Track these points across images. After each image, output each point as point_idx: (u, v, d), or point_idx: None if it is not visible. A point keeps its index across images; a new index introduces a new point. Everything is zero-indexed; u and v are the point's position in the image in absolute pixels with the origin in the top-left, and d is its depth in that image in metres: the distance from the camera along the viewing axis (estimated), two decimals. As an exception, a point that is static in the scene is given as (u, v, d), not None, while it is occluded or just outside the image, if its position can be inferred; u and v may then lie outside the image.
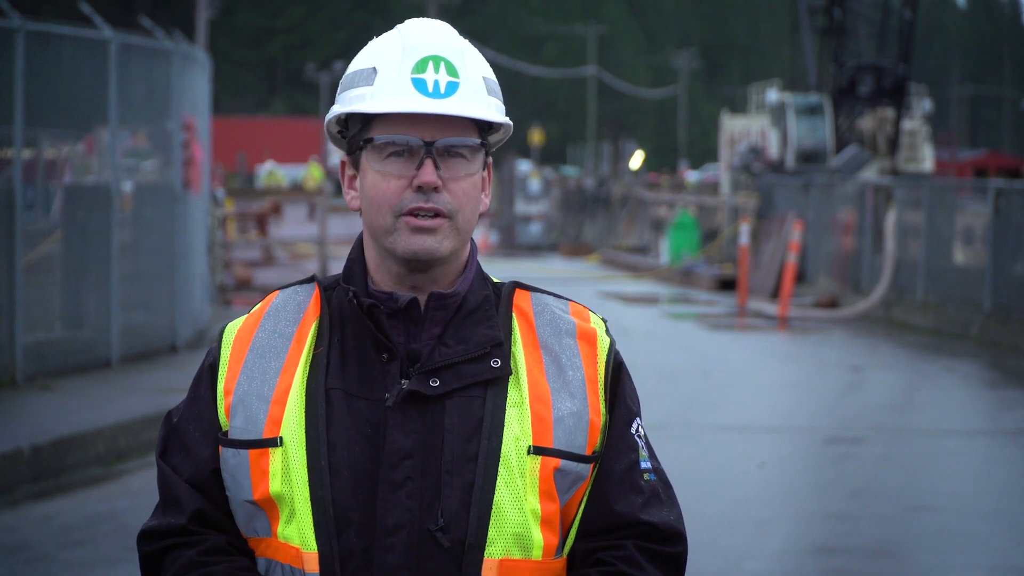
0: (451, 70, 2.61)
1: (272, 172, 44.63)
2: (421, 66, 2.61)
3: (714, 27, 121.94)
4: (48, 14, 20.21)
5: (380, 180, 2.61)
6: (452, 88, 2.60)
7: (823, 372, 17.67)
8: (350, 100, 2.65)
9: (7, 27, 13.39)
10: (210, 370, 2.69)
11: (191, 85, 17.04)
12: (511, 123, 2.71)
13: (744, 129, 42.29)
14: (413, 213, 2.59)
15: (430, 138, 2.59)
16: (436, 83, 2.60)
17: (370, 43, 2.71)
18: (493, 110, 2.65)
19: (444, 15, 54.14)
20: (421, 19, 2.69)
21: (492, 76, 2.69)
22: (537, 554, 2.59)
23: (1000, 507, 10.56)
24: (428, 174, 2.58)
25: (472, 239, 2.71)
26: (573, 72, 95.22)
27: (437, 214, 2.59)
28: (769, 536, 9.54)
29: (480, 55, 2.69)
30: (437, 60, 2.61)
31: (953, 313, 21.91)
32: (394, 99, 2.59)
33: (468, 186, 2.62)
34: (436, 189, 2.59)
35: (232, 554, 2.63)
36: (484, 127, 2.66)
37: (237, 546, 2.64)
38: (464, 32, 2.71)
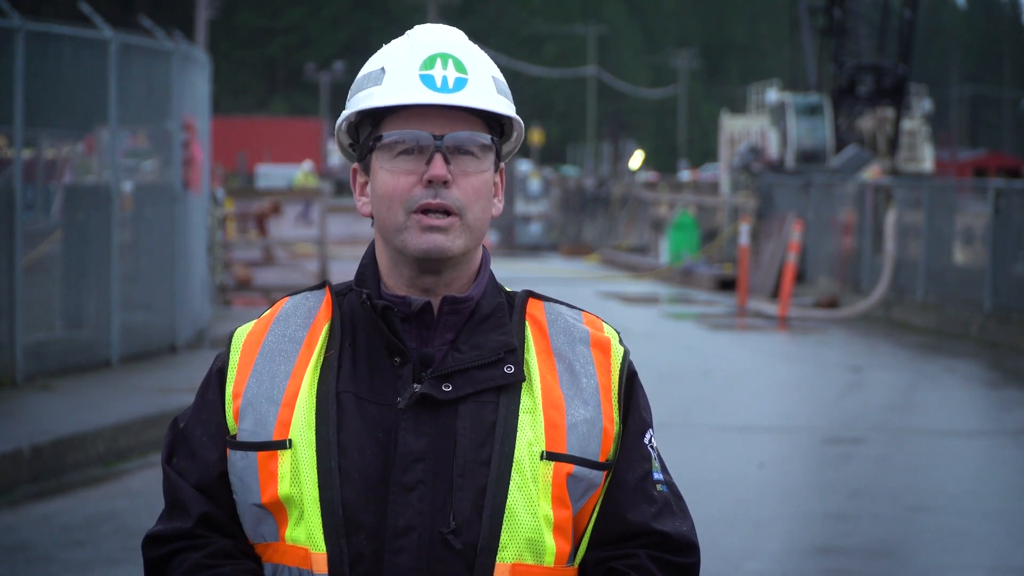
0: (459, 67, 2.62)
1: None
2: (429, 63, 2.61)
3: (714, 27, 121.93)
4: (48, 14, 20.20)
5: (390, 178, 2.61)
6: (460, 84, 2.61)
7: (823, 372, 17.67)
8: (359, 100, 2.65)
9: (7, 27, 13.39)
10: (218, 374, 2.68)
11: (191, 85, 17.04)
12: (522, 123, 2.71)
13: (744, 129, 42.30)
14: (424, 210, 2.59)
15: (439, 133, 2.59)
16: (444, 79, 2.60)
17: (380, 49, 2.72)
18: (503, 105, 2.65)
19: (444, 15, 54.16)
20: (431, 24, 2.71)
21: (501, 78, 2.70)
22: (549, 560, 2.58)
23: (1000, 507, 10.56)
24: (438, 168, 2.58)
25: (485, 247, 2.70)
26: (573, 72, 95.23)
27: (447, 212, 2.59)
28: (769, 536, 9.54)
29: (489, 58, 2.70)
30: (445, 57, 2.62)
31: (953, 313, 21.91)
32: (402, 94, 2.60)
33: (478, 183, 2.62)
34: (446, 184, 2.58)
35: (238, 557, 2.61)
36: (495, 129, 2.67)
37: (244, 550, 2.63)
38: (464, 32, 2.72)
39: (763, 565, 8.84)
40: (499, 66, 2.74)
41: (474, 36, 2.72)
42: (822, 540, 9.50)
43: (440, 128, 2.59)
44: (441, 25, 2.69)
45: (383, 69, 2.64)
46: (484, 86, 2.63)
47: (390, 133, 2.61)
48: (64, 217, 15.16)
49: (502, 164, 2.70)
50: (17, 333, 13.36)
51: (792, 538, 9.60)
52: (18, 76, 13.40)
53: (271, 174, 54.34)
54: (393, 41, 2.70)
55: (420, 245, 2.59)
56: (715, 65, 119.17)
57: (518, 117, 2.70)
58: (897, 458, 12.31)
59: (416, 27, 2.70)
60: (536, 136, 66.58)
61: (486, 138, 2.63)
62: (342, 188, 49.74)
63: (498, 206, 2.69)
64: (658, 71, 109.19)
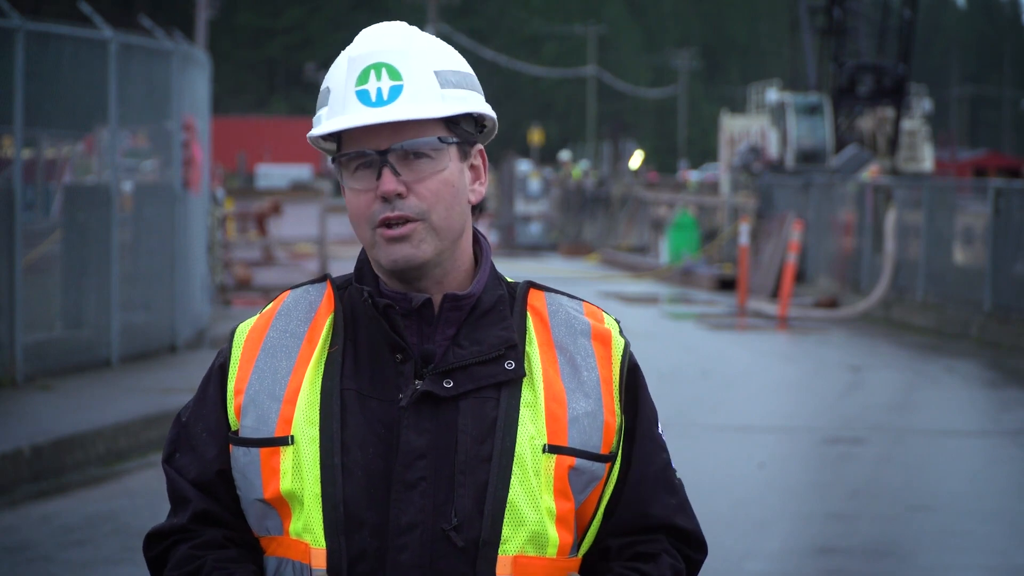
0: (393, 73, 2.58)
1: None
2: (363, 77, 2.59)
3: (714, 27, 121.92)
4: (48, 14, 20.20)
5: (353, 196, 2.62)
6: (396, 92, 2.57)
7: (823, 372, 17.67)
8: (314, 122, 2.67)
9: (7, 27, 13.39)
10: (220, 370, 2.69)
11: (191, 85, 17.04)
12: (491, 114, 2.66)
13: (744, 129, 42.27)
14: (385, 224, 2.58)
15: (385, 146, 2.58)
16: (379, 90, 2.58)
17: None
18: (440, 104, 2.59)
19: (444, 15, 54.15)
20: (374, 26, 2.67)
21: (452, 67, 2.63)
22: (552, 552, 2.60)
23: (1000, 507, 10.56)
24: (387, 183, 2.57)
25: (485, 238, 2.70)
26: (573, 72, 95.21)
27: (407, 220, 2.58)
28: (769, 536, 9.54)
29: (437, 48, 2.64)
30: (379, 67, 2.59)
31: (953, 313, 21.91)
32: (339, 117, 2.60)
33: (437, 184, 2.59)
34: (400, 195, 2.58)
35: (226, 547, 2.63)
36: (453, 120, 2.61)
37: (235, 540, 2.64)
38: (464, 32, 2.69)
39: (763, 565, 8.84)
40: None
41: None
42: (822, 540, 9.50)
43: (386, 140, 2.57)
44: (382, 25, 2.65)
45: (328, 88, 2.64)
46: (422, 87, 2.58)
47: (343, 152, 2.62)
48: (64, 217, 15.16)
49: (480, 146, 2.66)
50: (17, 333, 13.36)
51: (792, 538, 9.60)
52: (18, 76, 13.39)
53: (271, 174, 54.37)
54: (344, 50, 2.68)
55: (389, 256, 2.59)
56: (715, 65, 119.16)
57: (460, 109, 2.61)
58: (897, 458, 12.31)
59: (360, 33, 2.66)
60: (536, 136, 66.59)
61: (434, 139, 2.59)
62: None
63: (479, 190, 2.66)
64: (658, 71, 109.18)
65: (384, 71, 2.58)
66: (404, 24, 2.67)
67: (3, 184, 13.53)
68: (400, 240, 2.57)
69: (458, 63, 2.66)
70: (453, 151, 2.61)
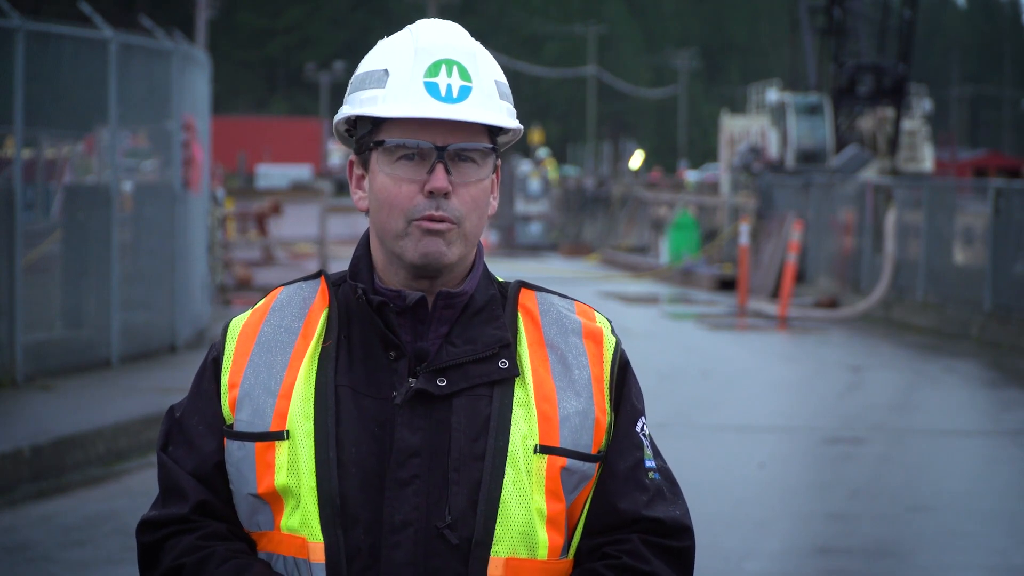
0: (464, 74, 2.61)
1: None
2: (434, 69, 2.60)
3: (714, 27, 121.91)
4: (48, 14, 20.21)
5: (391, 184, 2.60)
6: (465, 93, 2.60)
7: (823, 372, 17.67)
8: (361, 102, 2.64)
9: (7, 27, 13.39)
10: (214, 364, 2.69)
11: (191, 85, 17.04)
12: (521, 127, 2.70)
13: (744, 129, 42.26)
14: (426, 219, 2.59)
15: (442, 142, 2.58)
16: (449, 87, 2.59)
17: (380, 43, 2.70)
18: (505, 115, 2.65)
19: (444, 15, 54.07)
20: (433, 20, 2.68)
21: (503, 79, 2.69)
22: (543, 554, 2.60)
23: (1000, 507, 10.56)
24: (440, 180, 2.58)
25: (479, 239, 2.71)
26: (573, 72, 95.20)
27: (445, 221, 2.59)
28: (769, 536, 9.54)
29: (491, 58, 2.68)
30: (450, 64, 2.60)
31: (953, 313, 21.91)
32: (407, 103, 2.58)
33: (477, 192, 2.62)
34: (447, 195, 2.59)
35: (231, 539, 2.63)
36: (494, 130, 2.66)
37: (237, 534, 2.65)
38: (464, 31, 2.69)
39: (763, 565, 8.84)
40: (499, 66, 2.72)
41: (474, 35, 2.71)
42: (822, 540, 9.50)
43: (443, 137, 2.59)
44: (444, 23, 2.66)
45: (386, 71, 2.62)
46: (488, 94, 2.62)
47: (392, 140, 2.60)
48: (64, 217, 15.16)
49: (499, 161, 2.70)
50: (17, 333, 13.36)
51: (792, 538, 9.60)
52: (18, 76, 13.39)
53: (271, 174, 54.35)
54: (395, 36, 2.68)
55: (419, 251, 2.59)
56: (715, 65, 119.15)
57: (519, 124, 2.69)
58: (897, 458, 12.31)
59: (419, 24, 2.67)
60: (536, 136, 66.60)
61: (487, 146, 2.62)
62: (342, 188, 49.75)
63: (493, 204, 2.69)
64: (658, 71, 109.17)
65: (455, 69, 2.60)
66: (460, 26, 2.69)
67: (3, 184, 13.53)
68: (437, 235, 2.58)
69: (504, 77, 2.70)
70: (491, 163, 2.64)
